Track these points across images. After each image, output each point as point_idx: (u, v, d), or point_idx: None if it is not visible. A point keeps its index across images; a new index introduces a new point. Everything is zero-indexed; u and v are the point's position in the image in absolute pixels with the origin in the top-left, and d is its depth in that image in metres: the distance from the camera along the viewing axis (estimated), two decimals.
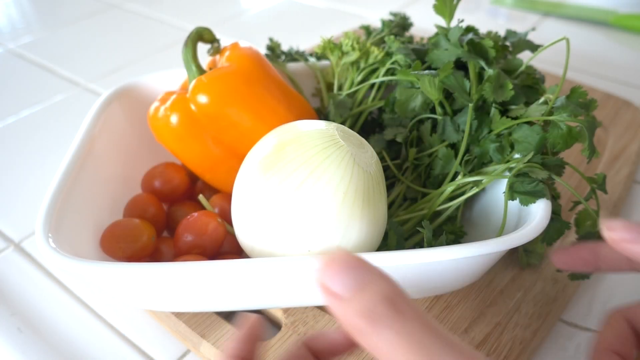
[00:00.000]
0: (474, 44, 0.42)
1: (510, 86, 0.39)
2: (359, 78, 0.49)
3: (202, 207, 0.45)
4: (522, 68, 0.43)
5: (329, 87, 0.52)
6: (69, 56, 0.83)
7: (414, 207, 0.43)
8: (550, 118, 0.38)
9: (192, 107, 0.42)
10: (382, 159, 0.46)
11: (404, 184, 0.45)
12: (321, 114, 0.51)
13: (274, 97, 0.43)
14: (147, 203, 0.45)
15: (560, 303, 0.42)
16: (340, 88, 0.50)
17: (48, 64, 0.77)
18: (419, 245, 0.42)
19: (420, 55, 0.46)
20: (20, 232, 0.53)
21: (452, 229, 0.41)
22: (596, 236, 0.39)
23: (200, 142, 0.44)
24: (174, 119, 0.43)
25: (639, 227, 0.29)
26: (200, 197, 0.44)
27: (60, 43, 0.86)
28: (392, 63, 0.47)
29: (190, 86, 0.43)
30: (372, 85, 0.49)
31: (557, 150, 0.38)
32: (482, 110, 0.42)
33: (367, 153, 0.36)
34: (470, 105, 0.40)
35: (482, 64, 0.41)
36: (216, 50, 0.46)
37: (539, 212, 0.36)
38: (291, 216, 0.34)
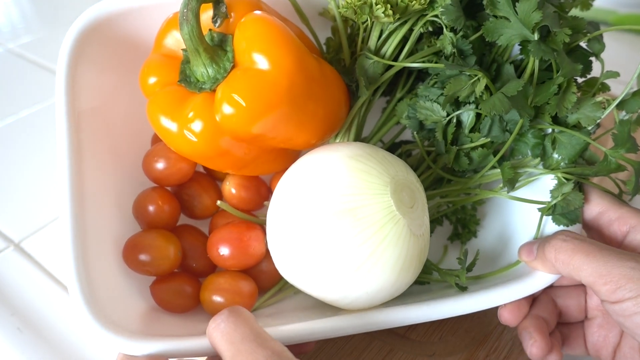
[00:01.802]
0: (547, 30, 0.36)
1: (575, 89, 0.37)
2: (393, 27, 0.41)
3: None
4: (584, 39, 0.39)
5: (345, 26, 0.43)
6: None
7: (436, 192, 0.42)
8: (606, 151, 0.36)
9: (217, 118, 0.36)
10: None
11: (431, 167, 0.43)
12: (341, 66, 0.44)
13: (314, 98, 0.38)
14: (158, 205, 0.42)
15: None
16: (364, 36, 0.42)
17: (48, 64, 0.77)
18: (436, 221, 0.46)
19: (471, 13, 0.39)
20: (20, 232, 0.53)
21: (463, 218, 0.43)
22: None
23: (227, 155, 0.39)
24: (192, 136, 0.37)
25: (531, 246, 0.37)
26: (220, 203, 0.41)
27: (60, 43, 0.85)
28: (433, 16, 0.39)
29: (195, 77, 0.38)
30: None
31: (597, 175, 0.38)
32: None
33: (418, 209, 0.36)
34: (526, 117, 0.37)
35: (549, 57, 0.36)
36: (224, 17, 0.38)
37: None
38: (347, 287, 0.35)
